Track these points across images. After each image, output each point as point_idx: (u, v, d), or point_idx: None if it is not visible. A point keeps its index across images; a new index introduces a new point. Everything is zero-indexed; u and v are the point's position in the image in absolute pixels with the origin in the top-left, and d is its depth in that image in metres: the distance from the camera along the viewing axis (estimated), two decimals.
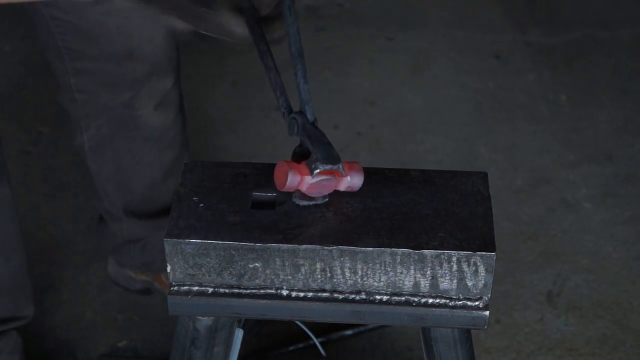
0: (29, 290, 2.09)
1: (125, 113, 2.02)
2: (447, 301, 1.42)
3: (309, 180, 1.42)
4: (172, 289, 1.43)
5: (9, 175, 1.98)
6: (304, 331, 2.15)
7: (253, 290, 1.43)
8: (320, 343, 2.21)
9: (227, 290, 1.43)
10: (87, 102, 2.01)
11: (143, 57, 1.93)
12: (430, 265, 1.39)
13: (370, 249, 1.38)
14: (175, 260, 1.41)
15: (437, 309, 1.42)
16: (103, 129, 2.04)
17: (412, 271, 1.40)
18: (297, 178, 1.41)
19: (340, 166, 1.44)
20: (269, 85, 1.50)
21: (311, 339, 2.19)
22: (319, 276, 1.41)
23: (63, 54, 1.94)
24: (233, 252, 1.39)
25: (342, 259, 1.39)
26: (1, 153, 1.93)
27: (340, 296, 1.43)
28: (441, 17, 3.33)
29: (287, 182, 1.41)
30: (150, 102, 2.02)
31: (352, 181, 1.44)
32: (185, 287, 1.43)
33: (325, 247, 1.38)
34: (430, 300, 1.42)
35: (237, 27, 1.45)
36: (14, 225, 2.01)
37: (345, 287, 1.42)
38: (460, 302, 1.42)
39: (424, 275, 1.40)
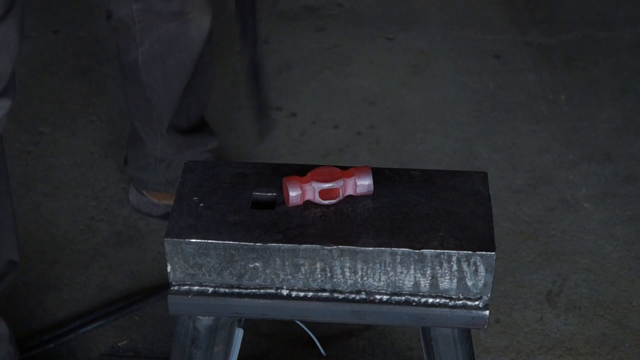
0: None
1: (177, 24, 2.23)
2: (447, 301, 1.42)
3: (311, 190, 1.42)
4: (172, 288, 1.43)
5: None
6: (304, 331, 2.15)
7: (253, 290, 1.43)
8: (320, 343, 2.21)
9: (227, 290, 1.43)
10: (143, 12, 2.22)
11: None
12: (430, 265, 1.39)
13: (370, 248, 1.38)
14: (176, 260, 1.41)
15: (437, 309, 1.42)
16: (156, 44, 2.26)
17: (412, 271, 1.40)
18: (298, 191, 1.42)
19: None
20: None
21: (311, 338, 2.19)
22: (319, 276, 1.41)
23: None
24: (233, 252, 1.39)
25: (342, 258, 1.39)
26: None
27: (340, 296, 1.43)
28: (441, 17, 3.33)
29: (290, 199, 1.42)
30: (200, 11, 2.24)
31: (360, 185, 1.45)
32: (185, 287, 1.43)
33: (325, 247, 1.39)
34: (430, 300, 1.43)
35: None
36: None
37: (345, 287, 1.42)
38: (460, 302, 1.42)
39: (424, 275, 1.40)
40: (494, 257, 1.39)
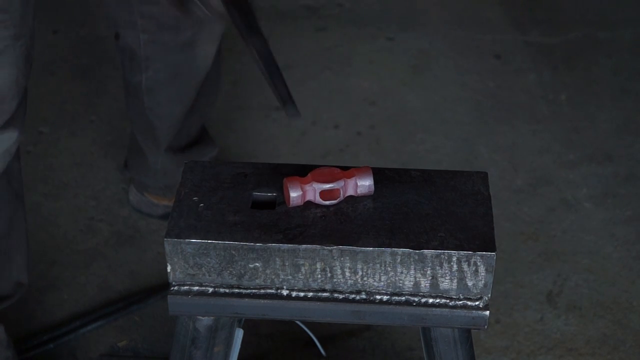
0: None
1: (184, 56, 2.22)
2: (447, 301, 1.42)
3: (312, 191, 1.42)
4: (172, 289, 1.43)
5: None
6: (304, 331, 2.15)
7: (253, 290, 1.43)
8: (321, 343, 2.21)
9: (227, 290, 1.43)
10: (149, 42, 2.20)
11: None
12: (430, 265, 1.39)
13: (371, 248, 1.38)
14: (176, 260, 1.41)
15: (437, 309, 1.42)
16: (160, 73, 2.26)
17: (412, 271, 1.40)
18: (299, 192, 1.42)
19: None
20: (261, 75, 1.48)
21: (311, 339, 2.19)
22: (319, 276, 1.41)
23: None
24: (233, 252, 1.39)
25: (342, 259, 1.39)
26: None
27: (341, 296, 1.43)
28: (441, 17, 3.33)
29: (290, 200, 1.42)
30: (209, 41, 2.22)
31: (361, 186, 1.44)
32: (185, 287, 1.43)
33: (326, 247, 1.38)
34: (431, 300, 1.43)
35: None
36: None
37: (346, 287, 1.42)
38: (461, 302, 1.42)
39: (424, 275, 1.40)
40: (494, 258, 1.38)
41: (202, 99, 2.37)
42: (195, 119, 2.41)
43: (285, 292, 1.43)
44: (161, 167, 2.45)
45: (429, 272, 1.40)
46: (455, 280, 1.40)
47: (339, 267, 1.40)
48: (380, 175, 1.50)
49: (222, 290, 1.43)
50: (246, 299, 1.43)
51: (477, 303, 1.42)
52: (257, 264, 1.40)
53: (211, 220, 1.42)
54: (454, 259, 1.39)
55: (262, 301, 1.43)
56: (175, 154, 2.43)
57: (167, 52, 2.23)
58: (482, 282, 1.40)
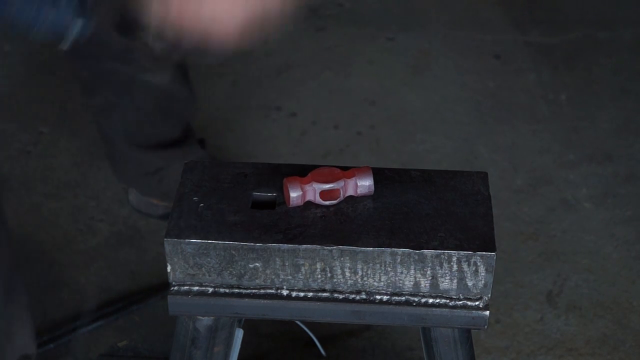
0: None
1: (129, 78, 2.23)
2: (447, 301, 1.42)
3: (312, 191, 1.42)
4: (172, 289, 1.43)
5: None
6: (304, 331, 2.15)
7: (253, 290, 1.43)
8: (321, 343, 2.21)
9: (227, 290, 1.43)
10: (94, 72, 2.24)
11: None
12: (430, 265, 1.39)
13: (370, 249, 1.38)
14: (176, 260, 1.41)
15: (437, 309, 1.42)
16: (110, 96, 2.29)
17: (412, 271, 1.40)
18: (299, 192, 1.42)
19: None
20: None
21: (311, 339, 2.19)
22: (319, 276, 1.41)
23: None
24: (233, 252, 1.39)
25: (342, 259, 1.39)
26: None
27: (341, 296, 1.43)
28: (441, 17, 3.33)
29: (290, 200, 1.42)
30: (159, 68, 2.23)
31: (361, 186, 1.44)
32: (185, 287, 1.43)
33: (326, 247, 1.38)
34: (431, 300, 1.43)
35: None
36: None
37: (345, 287, 1.42)
38: (461, 302, 1.42)
39: (424, 275, 1.40)
40: (494, 258, 1.38)
41: (173, 105, 2.36)
42: (170, 124, 2.41)
43: (285, 292, 1.43)
44: (148, 165, 2.44)
45: (429, 272, 1.40)
46: (455, 280, 1.40)
47: (339, 267, 1.40)
48: (380, 175, 1.50)
49: (222, 290, 1.43)
50: (246, 299, 1.43)
51: (477, 303, 1.42)
52: (257, 264, 1.40)
53: (211, 220, 1.42)
54: (454, 259, 1.39)
55: (262, 301, 1.43)
56: (154, 150, 2.41)
57: (112, 77, 2.25)
58: (482, 282, 1.40)
